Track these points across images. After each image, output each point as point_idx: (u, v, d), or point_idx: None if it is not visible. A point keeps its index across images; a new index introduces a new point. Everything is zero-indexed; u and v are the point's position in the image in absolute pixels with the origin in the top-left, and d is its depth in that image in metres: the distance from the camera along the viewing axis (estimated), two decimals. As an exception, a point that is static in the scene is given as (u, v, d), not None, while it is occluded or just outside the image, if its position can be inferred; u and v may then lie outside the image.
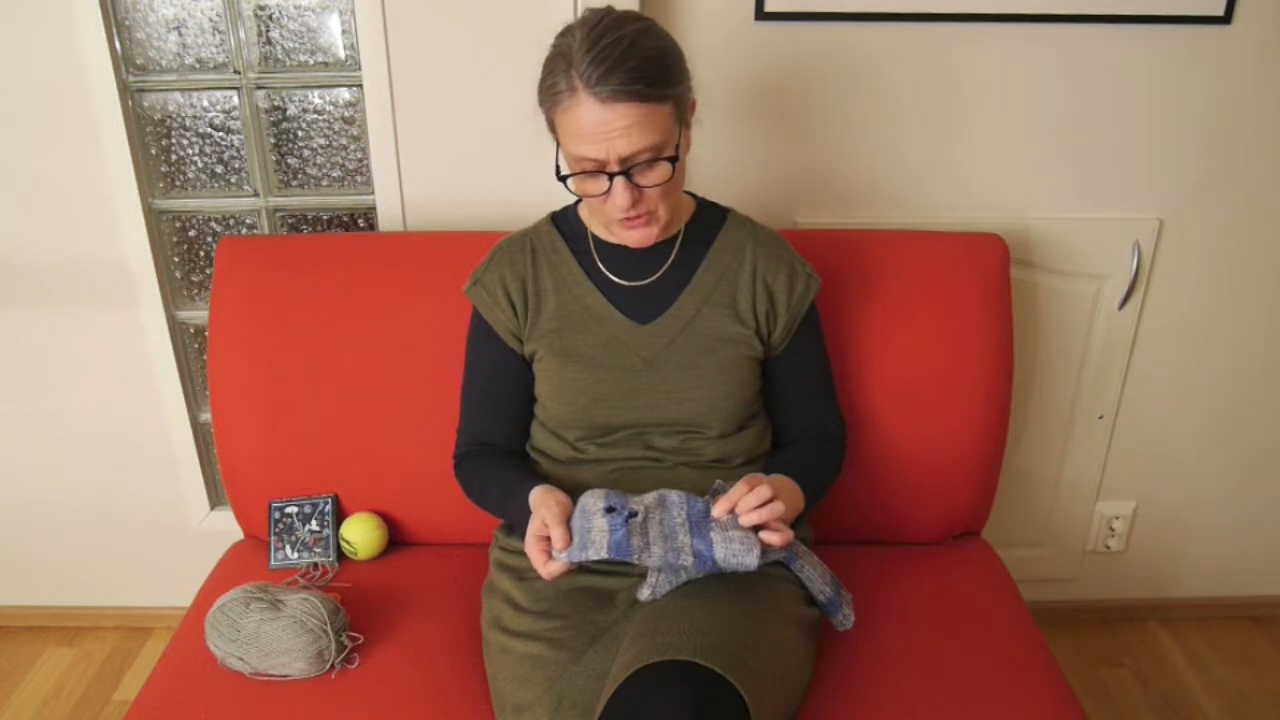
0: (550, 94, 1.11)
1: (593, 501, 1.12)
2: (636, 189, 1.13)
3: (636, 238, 1.19)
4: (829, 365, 1.38)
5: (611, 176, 1.11)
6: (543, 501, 1.15)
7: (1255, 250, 1.74)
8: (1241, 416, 1.88)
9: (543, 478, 1.27)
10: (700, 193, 1.35)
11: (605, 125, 1.07)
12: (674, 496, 1.14)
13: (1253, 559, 2.02)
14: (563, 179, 1.15)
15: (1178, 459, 1.91)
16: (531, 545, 1.12)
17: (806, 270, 1.30)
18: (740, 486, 1.11)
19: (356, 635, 1.30)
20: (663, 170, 1.13)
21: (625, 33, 1.08)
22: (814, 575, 1.22)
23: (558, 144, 1.17)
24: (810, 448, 1.34)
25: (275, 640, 1.22)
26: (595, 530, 1.08)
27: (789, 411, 1.35)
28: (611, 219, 1.17)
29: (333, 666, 1.26)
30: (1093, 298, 1.74)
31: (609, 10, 1.12)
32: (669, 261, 1.27)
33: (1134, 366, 1.81)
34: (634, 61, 1.06)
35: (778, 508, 1.09)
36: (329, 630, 1.24)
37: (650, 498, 1.15)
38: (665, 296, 1.27)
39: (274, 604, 1.25)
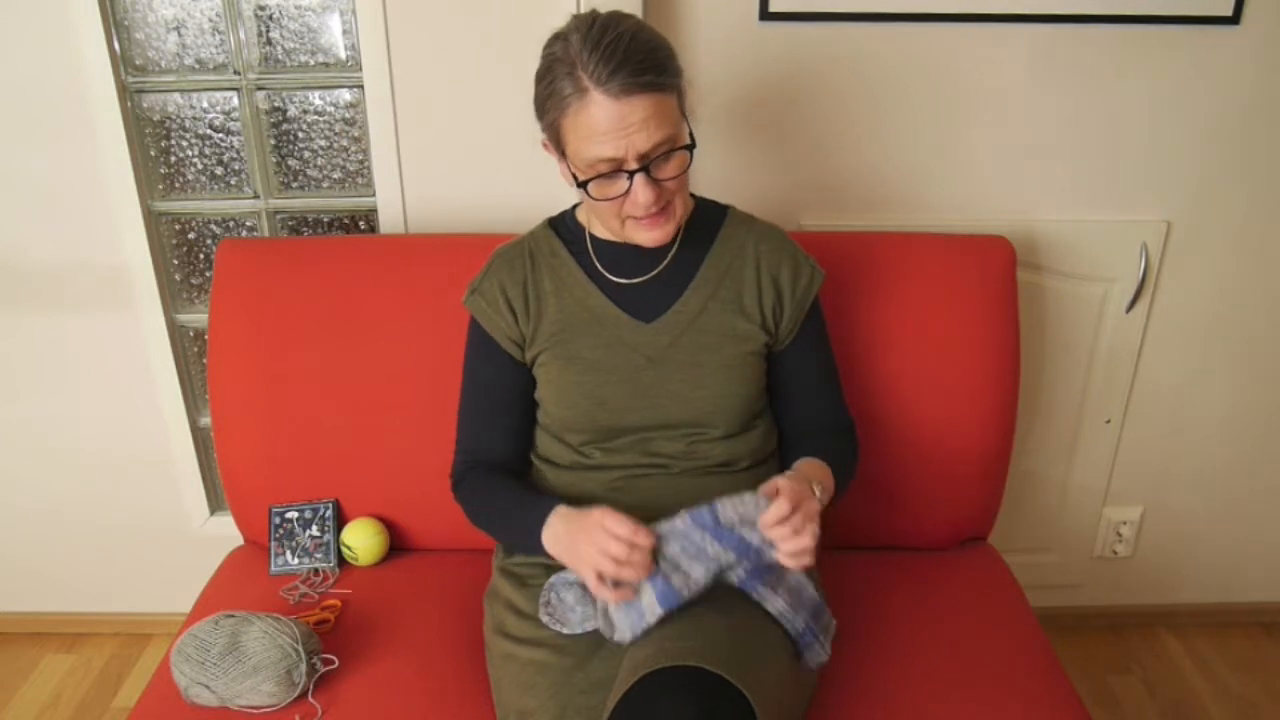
0: (556, 100, 1.10)
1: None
2: (656, 184, 1.12)
3: (655, 236, 1.17)
4: (834, 361, 1.36)
5: (631, 175, 1.10)
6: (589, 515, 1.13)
7: (1264, 252, 1.72)
8: (1250, 420, 1.86)
9: (547, 493, 1.26)
10: (705, 194, 1.34)
11: (622, 120, 1.06)
12: (677, 524, 1.11)
13: (1262, 565, 2.00)
14: (582, 185, 1.13)
15: (1186, 463, 1.90)
16: (604, 567, 1.09)
17: (810, 262, 1.29)
18: (756, 499, 1.10)
19: (330, 658, 1.26)
20: (680, 160, 1.13)
21: (625, 28, 1.08)
22: (783, 606, 1.14)
23: (561, 156, 1.15)
24: (831, 440, 1.32)
25: (247, 654, 1.19)
26: (645, 605, 1.10)
27: (797, 407, 1.33)
28: (629, 218, 1.16)
29: (305, 691, 1.22)
30: (1100, 300, 1.73)
31: (595, 12, 1.11)
32: (668, 257, 1.26)
33: (1142, 370, 1.80)
34: (640, 54, 1.06)
35: (805, 540, 1.08)
36: (299, 649, 1.21)
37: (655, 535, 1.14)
38: (668, 294, 1.26)
39: (244, 619, 1.23)
